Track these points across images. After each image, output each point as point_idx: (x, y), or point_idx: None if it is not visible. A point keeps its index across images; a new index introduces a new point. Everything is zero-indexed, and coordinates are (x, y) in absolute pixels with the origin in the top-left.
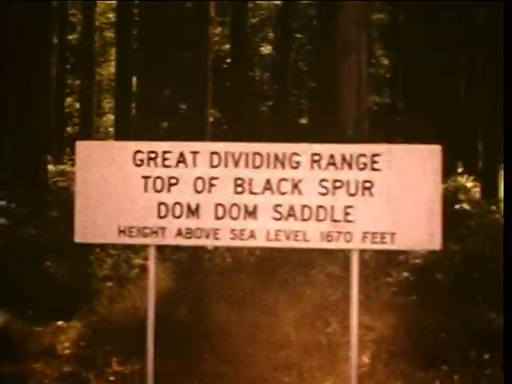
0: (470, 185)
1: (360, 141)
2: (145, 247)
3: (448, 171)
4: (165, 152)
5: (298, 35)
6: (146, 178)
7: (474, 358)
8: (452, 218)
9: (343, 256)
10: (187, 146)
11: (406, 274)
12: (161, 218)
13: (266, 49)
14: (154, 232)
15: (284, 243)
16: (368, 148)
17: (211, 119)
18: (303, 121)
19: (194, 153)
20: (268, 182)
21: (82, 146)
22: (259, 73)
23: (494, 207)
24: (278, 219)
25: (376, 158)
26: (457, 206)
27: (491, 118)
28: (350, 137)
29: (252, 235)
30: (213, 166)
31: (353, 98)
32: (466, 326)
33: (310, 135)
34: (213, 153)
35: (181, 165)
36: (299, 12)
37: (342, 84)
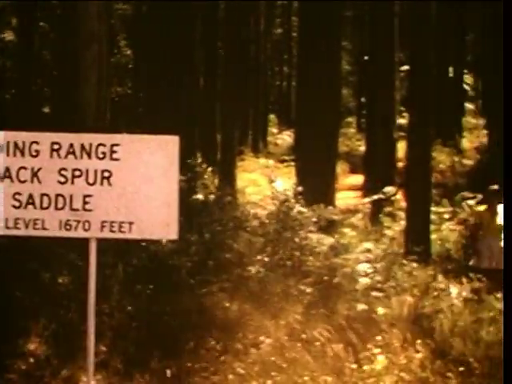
0: (208, 175)
1: (100, 131)
2: None
3: (186, 161)
4: None
5: (42, 23)
6: None
7: (211, 347)
8: (190, 208)
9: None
10: None
11: (144, 262)
12: None
13: (9, 35)
14: None
15: (23, 231)
16: (107, 138)
17: None
18: (46, 109)
19: None
20: (8, 169)
21: None
22: (2, 60)
23: (230, 198)
24: (18, 207)
25: (115, 148)
26: (195, 197)
27: (229, 109)
28: (90, 127)
29: None
30: None
31: (94, 87)
32: (201, 314)
33: (52, 124)
34: None
35: None
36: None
37: (83, 74)
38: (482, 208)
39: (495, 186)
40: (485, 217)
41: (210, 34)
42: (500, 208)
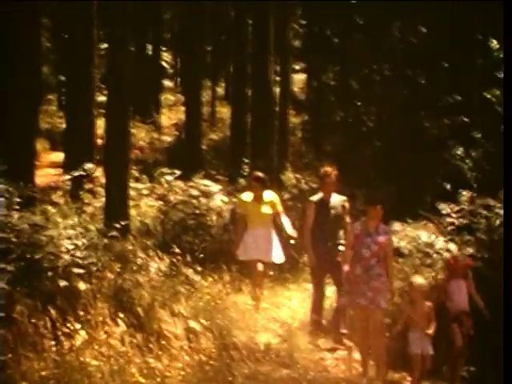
0: None
1: None
2: None
3: None
4: None
5: None
6: None
7: None
8: None
9: None
10: None
11: None
12: None
13: None
14: None
15: None
16: None
17: None
18: None
19: None
20: None
21: None
22: None
23: None
24: None
25: None
26: None
27: None
28: None
29: None
30: None
31: None
32: None
33: None
34: None
35: None
36: None
37: None
38: (247, 198)
39: (260, 174)
40: (250, 207)
41: None
42: (265, 194)
